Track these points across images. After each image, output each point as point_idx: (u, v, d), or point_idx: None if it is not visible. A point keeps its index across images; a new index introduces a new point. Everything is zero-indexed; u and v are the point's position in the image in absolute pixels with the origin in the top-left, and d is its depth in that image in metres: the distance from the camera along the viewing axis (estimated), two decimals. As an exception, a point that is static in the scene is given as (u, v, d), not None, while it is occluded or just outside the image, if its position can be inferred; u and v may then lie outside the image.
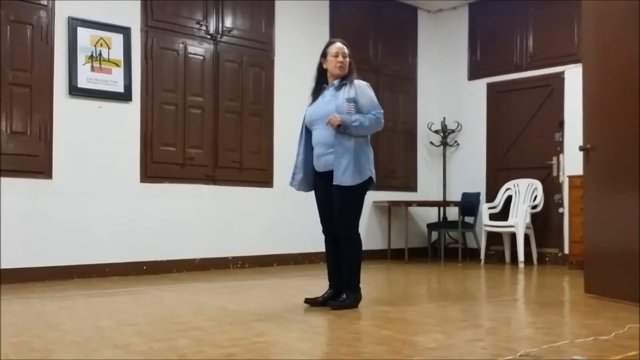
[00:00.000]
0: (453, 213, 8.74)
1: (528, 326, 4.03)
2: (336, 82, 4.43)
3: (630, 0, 4.53)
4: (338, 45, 4.44)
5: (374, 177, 4.41)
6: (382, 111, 4.43)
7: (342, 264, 4.40)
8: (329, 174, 4.35)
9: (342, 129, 4.26)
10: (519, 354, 2.96)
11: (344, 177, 4.26)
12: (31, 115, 5.85)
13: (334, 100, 4.35)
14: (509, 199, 8.24)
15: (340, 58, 4.40)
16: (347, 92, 4.36)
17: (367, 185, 4.38)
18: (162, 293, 5.30)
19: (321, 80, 4.52)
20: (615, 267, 4.64)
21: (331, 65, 4.42)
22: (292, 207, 7.29)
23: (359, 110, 4.34)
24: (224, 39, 7.16)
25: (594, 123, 4.91)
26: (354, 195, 4.34)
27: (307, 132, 4.51)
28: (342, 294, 4.38)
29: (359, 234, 4.42)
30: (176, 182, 6.73)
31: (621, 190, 4.61)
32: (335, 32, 7.99)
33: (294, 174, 4.54)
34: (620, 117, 4.62)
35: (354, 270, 4.40)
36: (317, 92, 4.53)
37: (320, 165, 4.41)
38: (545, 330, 3.66)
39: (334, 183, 4.28)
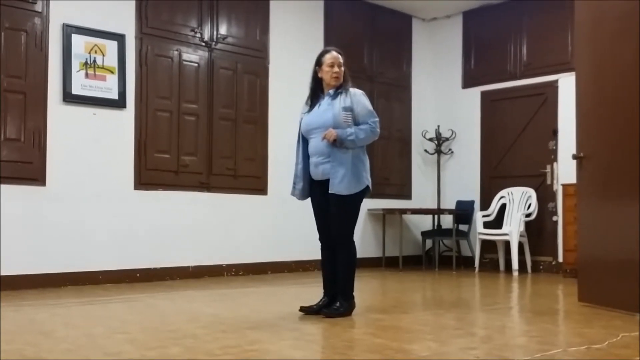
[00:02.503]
0: (447, 221, 8.75)
1: (522, 334, 4.03)
2: (331, 91, 4.44)
3: (625, 2, 4.55)
4: (333, 54, 4.44)
5: (370, 185, 4.43)
6: (378, 119, 4.44)
7: (337, 271, 4.40)
8: (326, 182, 4.36)
9: (337, 144, 4.27)
10: (512, 363, 2.96)
11: (340, 186, 4.28)
12: (25, 122, 5.83)
13: (330, 110, 4.36)
14: (503, 207, 8.25)
15: (335, 69, 4.40)
16: (343, 100, 4.37)
17: (364, 193, 4.41)
18: (155, 301, 5.28)
19: (316, 89, 4.52)
20: (609, 275, 4.65)
21: (327, 75, 4.42)
22: (287, 215, 7.28)
23: (354, 119, 4.35)
24: (219, 46, 7.17)
25: (587, 131, 4.92)
26: (351, 204, 4.36)
27: (303, 141, 4.52)
28: (336, 301, 4.38)
29: (353, 242, 4.43)
30: (170, 189, 6.72)
31: (615, 199, 4.63)
32: (330, 40, 8.00)
33: (294, 183, 4.55)
34: (613, 125, 4.64)
35: (348, 278, 4.40)
36: (312, 101, 4.53)
37: (317, 173, 4.43)
38: (539, 339, 3.67)
39: (330, 191, 4.30)
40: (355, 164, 4.34)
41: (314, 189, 4.49)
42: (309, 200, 4.59)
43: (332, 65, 4.40)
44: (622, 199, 4.53)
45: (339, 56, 4.45)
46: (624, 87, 4.53)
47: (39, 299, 5.19)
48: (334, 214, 4.36)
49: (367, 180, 4.41)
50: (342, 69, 4.43)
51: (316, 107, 4.47)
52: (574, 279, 5.98)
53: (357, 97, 4.40)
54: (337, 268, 4.40)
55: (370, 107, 4.45)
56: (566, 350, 3.31)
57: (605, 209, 4.71)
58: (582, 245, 4.97)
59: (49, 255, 5.88)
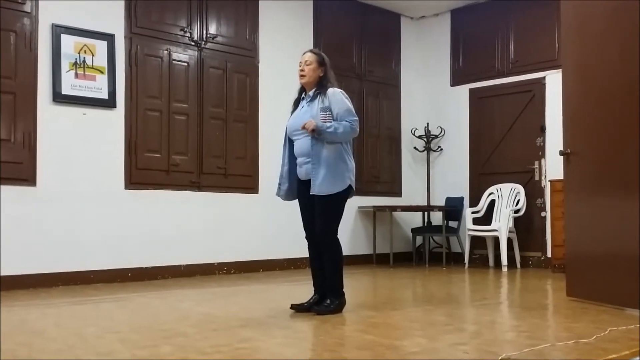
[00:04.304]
0: (437, 218, 8.79)
1: (511, 330, 4.07)
2: (311, 92, 4.50)
3: (610, 1, 4.59)
4: (304, 55, 4.54)
5: (353, 185, 4.45)
6: (357, 119, 4.44)
7: (324, 269, 4.43)
8: (310, 182, 4.39)
9: (316, 134, 4.30)
10: (500, 358, 2.99)
11: (320, 187, 4.32)
12: (15, 122, 5.82)
13: (309, 112, 4.43)
14: (492, 204, 8.30)
15: (301, 66, 4.49)
16: (321, 101, 4.42)
17: (346, 193, 4.43)
18: (147, 300, 5.29)
19: (301, 91, 4.61)
20: (596, 270, 4.69)
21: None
22: (278, 213, 7.27)
23: (334, 119, 4.38)
24: (208, 45, 7.18)
25: (574, 128, 4.97)
26: (332, 204, 4.38)
27: (290, 143, 4.57)
28: (327, 299, 4.41)
29: (337, 239, 4.46)
30: (161, 188, 6.73)
31: (601, 194, 4.67)
32: (319, 39, 8.05)
33: (279, 184, 4.60)
34: (599, 121, 4.69)
35: (335, 275, 4.43)
36: (296, 103, 4.62)
37: (302, 173, 4.48)
38: (528, 334, 3.70)
39: (310, 193, 4.34)
40: (338, 165, 4.36)
41: (300, 188, 4.53)
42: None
43: (300, 65, 4.50)
44: (609, 194, 4.58)
45: (309, 54, 4.52)
46: (609, 84, 4.58)
47: (30, 299, 5.19)
48: (317, 213, 4.40)
49: (350, 181, 4.42)
50: (311, 66, 4.47)
51: (298, 109, 4.56)
52: (562, 274, 6.03)
53: (336, 97, 4.42)
54: (324, 266, 4.44)
55: (348, 106, 4.44)
56: (555, 344, 3.34)
57: (592, 205, 4.76)
58: (570, 240, 5.02)
59: (40, 255, 5.87)
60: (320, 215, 4.39)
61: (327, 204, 4.36)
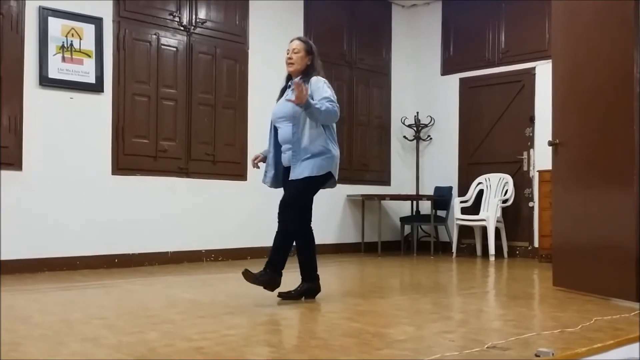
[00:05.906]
0: (426, 207, 8.81)
1: (497, 318, 4.09)
2: (297, 79, 4.47)
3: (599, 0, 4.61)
4: (291, 42, 4.52)
5: (335, 172, 4.42)
6: (338, 106, 4.40)
7: (297, 256, 4.48)
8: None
9: (303, 106, 4.22)
10: (486, 346, 3.00)
11: (297, 171, 4.31)
12: (1, 105, 5.76)
13: (292, 98, 4.39)
14: (480, 193, 8.32)
15: (288, 54, 4.47)
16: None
17: (323, 179, 4.39)
18: (133, 286, 5.27)
19: (289, 78, 4.59)
20: (582, 260, 4.71)
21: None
22: (266, 200, 7.21)
23: None
24: (198, 30, 7.12)
25: (563, 118, 4.97)
26: (305, 184, 4.33)
27: (274, 129, 4.56)
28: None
29: (311, 229, 4.45)
30: (148, 174, 6.69)
31: (589, 185, 4.69)
32: (310, 26, 8.00)
33: (265, 171, 4.58)
34: (588, 113, 4.69)
35: (308, 261, 4.45)
36: (283, 91, 4.60)
37: (285, 160, 4.48)
38: (514, 323, 3.72)
39: (289, 179, 4.34)
40: (319, 152, 4.32)
41: (285, 175, 4.51)
42: None
43: (287, 52, 4.49)
44: (597, 185, 4.60)
45: (297, 42, 4.50)
46: (598, 75, 4.59)
47: (15, 285, 5.16)
48: (288, 186, 4.40)
49: (331, 168, 4.38)
50: (299, 54, 4.45)
51: (283, 97, 4.53)
52: (549, 264, 6.06)
53: (317, 85, 4.38)
54: (297, 253, 4.47)
55: (330, 93, 4.38)
56: (540, 333, 3.35)
57: (579, 195, 4.77)
58: (557, 230, 5.03)
59: (25, 241, 5.83)
60: (290, 187, 4.37)
61: (301, 183, 4.32)
